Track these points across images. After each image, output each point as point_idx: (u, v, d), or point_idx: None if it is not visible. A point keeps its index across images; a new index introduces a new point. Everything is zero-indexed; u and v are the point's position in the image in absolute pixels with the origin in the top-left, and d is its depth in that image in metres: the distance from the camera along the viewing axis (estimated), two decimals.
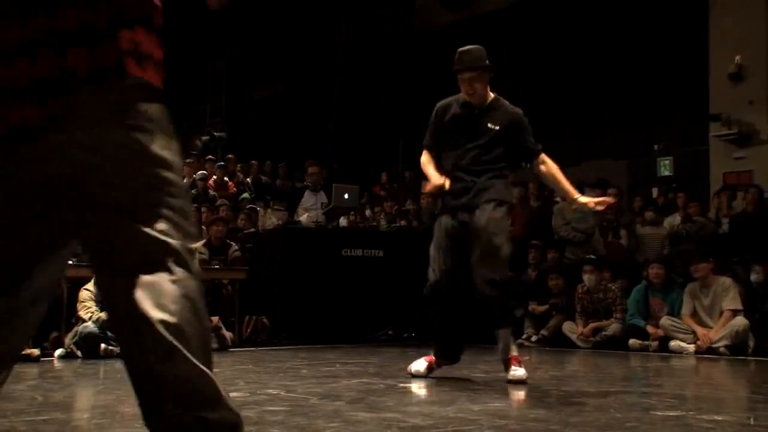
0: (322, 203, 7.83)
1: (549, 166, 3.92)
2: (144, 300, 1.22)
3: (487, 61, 3.93)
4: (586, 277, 6.63)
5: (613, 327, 6.44)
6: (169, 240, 1.26)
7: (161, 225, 1.25)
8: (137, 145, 1.25)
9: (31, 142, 1.23)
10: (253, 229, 7.72)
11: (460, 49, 3.95)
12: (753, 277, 6.42)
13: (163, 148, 1.28)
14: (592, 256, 6.98)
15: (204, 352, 1.27)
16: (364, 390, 3.44)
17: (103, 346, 5.26)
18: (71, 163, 1.23)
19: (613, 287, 6.68)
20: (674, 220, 7.85)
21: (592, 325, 6.58)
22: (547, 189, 8.50)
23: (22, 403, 2.99)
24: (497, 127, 3.86)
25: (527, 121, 3.96)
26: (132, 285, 1.23)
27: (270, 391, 3.37)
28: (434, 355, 4.04)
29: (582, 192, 7.68)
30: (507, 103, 4.00)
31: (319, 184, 8.07)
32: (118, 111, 1.24)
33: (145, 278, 1.24)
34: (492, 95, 3.98)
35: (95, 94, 1.23)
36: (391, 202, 8.72)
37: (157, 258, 1.25)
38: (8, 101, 1.23)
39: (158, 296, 1.23)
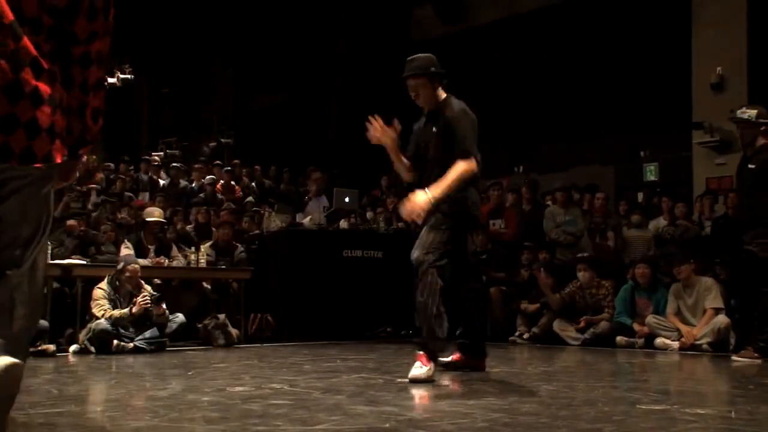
0: (324, 207, 8.03)
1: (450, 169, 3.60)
2: None
3: (433, 69, 3.82)
4: (580, 275, 6.68)
5: (601, 325, 6.50)
6: None
7: None
8: None
9: None
10: (257, 231, 7.87)
11: (409, 57, 3.91)
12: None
13: None
14: (585, 254, 7.02)
15: None
16: (364, 385, 3.47)
17: (115, 342, 5.40)
18: None
19: (606, 284, 6.69)
20: (659, 222, 7.93)
21: (585, 318, 6.59)
22: (538, 193, 8.75)
23: (39, 396, 3.06)
24: (435, 130, 3.81)
25: (465, 121, 3.72)
26: None
27: (274, 385, 3.42)
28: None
29: (571, 196, 8.00)
30: (454, 102, 3.82)
31: (322, 189, 8.26)
32: None
33: None
34: (443, 96, 3.86)
35: None
36: (393, 198, 8.87)
37: None
38: None
39: None
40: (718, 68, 9.74)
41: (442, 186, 3.51)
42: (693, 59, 10.10)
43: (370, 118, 3.86)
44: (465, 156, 3.62)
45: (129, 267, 5.74)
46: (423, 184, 3.67)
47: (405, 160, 4.03)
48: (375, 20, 13.21)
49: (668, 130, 10.32)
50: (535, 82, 11.69)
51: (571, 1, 11.45)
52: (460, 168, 3.57)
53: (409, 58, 3.92)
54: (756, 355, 5.03)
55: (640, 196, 9.90)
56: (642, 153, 10.65)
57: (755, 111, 5.02)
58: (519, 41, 12.03)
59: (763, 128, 4.95)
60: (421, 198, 3.47)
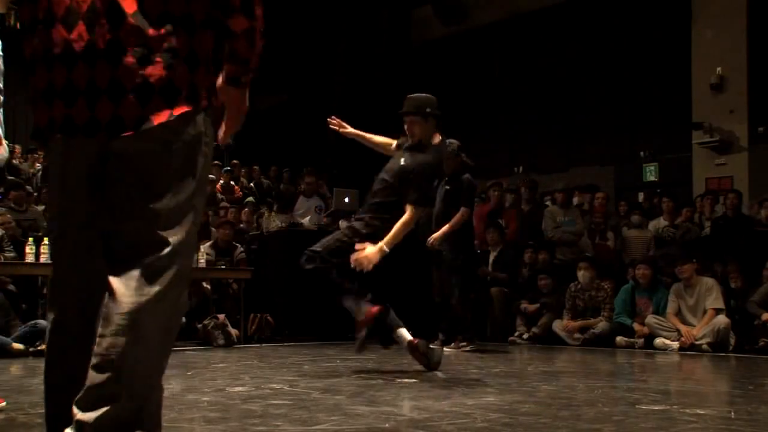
0: (315, 207, 8.05)
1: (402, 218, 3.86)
2: None
3: (429, 109, 4.00)
4: (580, 274, 6.66)
5: (601, 325, 6.51)
6: None
7: None
8: None
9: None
10: (257, 231, 7.88)
11: (410, 95, 4.11)
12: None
13: None
14: (587, 254, 7.02)
15: None
16: (363, 385, 3.50)
17: None
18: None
19: (605, 285, 6.70)
20: (659, 223, 7.91)
21: (579, 323, 6.60)
22: (537, 193, 8.75)
23: (38, 397, 2.92)
24: (402, 162, 3.98)
25: (428, 171, 3.91)
26: None
27: (274, 385, 3.46)
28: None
29: (571, 196, 8.00)
30: (432, 149, 4.00)
31: (314, 191, 8.31)
32: None
33: None
34: (431, 137, 4.04)
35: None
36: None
37: None
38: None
39: None
40: (718, 68, 9.77)
41: (390, 237, 3.79)
42: (693, 59, 10.13)
43: (329, 120, 4.17)
44: (416, 204, 3.86)
45: None
46: (368, 200, 4.07)
47: (379, 138, 4.34)
48: (375, 21, 13.22)
49: (668, 131, 10.36)
50: (535, 82, 11.71)
51: (571, 2, 11.46)
52: (406, 218, 3.83)
53: (409, 96, 4.11)
54: (464, 343, 5.80)
55: (641, 197, 9.93)
56: (642, 153, 10.67)
57: (456, 144, 5.77)
58: (519, 41, 12.05)
59: (461, 159, 5.82)
60: (372, 250, 3.73)
